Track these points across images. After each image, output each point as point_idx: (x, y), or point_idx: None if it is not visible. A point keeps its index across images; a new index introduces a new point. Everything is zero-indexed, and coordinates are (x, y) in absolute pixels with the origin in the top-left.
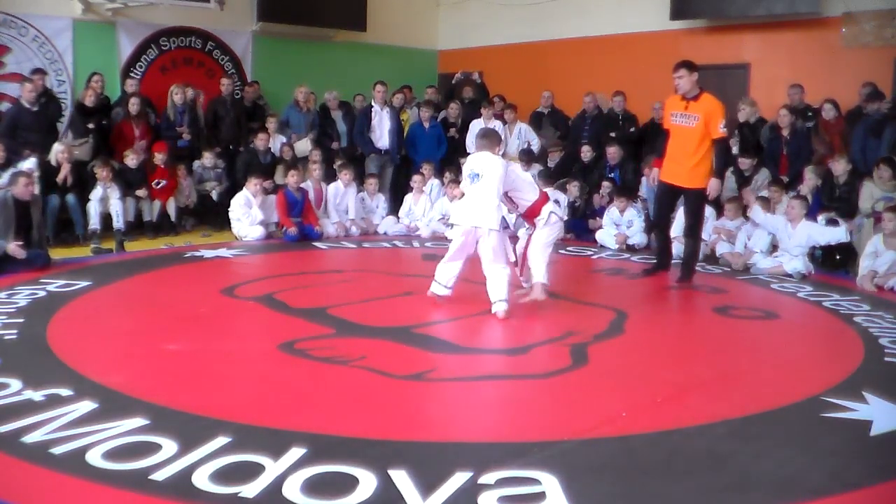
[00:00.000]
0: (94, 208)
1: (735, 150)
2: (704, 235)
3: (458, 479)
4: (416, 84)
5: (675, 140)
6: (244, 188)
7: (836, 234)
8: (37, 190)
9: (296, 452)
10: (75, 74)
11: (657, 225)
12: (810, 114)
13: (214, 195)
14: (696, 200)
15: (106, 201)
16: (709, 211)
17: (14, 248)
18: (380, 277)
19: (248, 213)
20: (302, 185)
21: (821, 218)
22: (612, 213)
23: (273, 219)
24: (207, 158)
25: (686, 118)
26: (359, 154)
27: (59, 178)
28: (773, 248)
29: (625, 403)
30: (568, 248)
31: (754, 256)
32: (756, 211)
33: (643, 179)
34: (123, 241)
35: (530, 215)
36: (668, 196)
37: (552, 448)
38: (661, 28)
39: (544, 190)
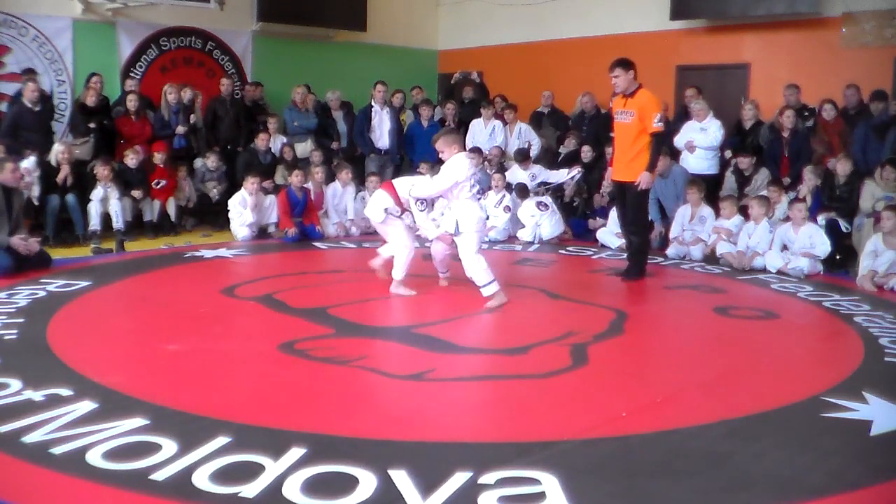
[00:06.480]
0: (94, 208)
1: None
2: (703, 236)
3: (458, 479)
4: (414, 84)
5: (618, 137)
6: (242, 188)
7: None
8: (37, 192)
9: (296, 452)
10: (75, 74)
11: (621, 226)
12: (806, 114)
13: (216, 193)
14: (635, 195)
15: (106, 201)
16: (707, 211)
17: (17, 241)
18: (380, 277)
19: (243, 213)
20: (305, 185)
21: (820, 218)
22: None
23: (268, 220)
24: (211, 160)
25: (624, 115)
26: (358, 154)
27: (59, 179)
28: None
29: (625, 403)
30: (568, 248)
31: (757, 259)
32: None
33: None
34: (123, 241)
35: None
36: (622, 196)
37: (552, 448)
38: (661, 28)
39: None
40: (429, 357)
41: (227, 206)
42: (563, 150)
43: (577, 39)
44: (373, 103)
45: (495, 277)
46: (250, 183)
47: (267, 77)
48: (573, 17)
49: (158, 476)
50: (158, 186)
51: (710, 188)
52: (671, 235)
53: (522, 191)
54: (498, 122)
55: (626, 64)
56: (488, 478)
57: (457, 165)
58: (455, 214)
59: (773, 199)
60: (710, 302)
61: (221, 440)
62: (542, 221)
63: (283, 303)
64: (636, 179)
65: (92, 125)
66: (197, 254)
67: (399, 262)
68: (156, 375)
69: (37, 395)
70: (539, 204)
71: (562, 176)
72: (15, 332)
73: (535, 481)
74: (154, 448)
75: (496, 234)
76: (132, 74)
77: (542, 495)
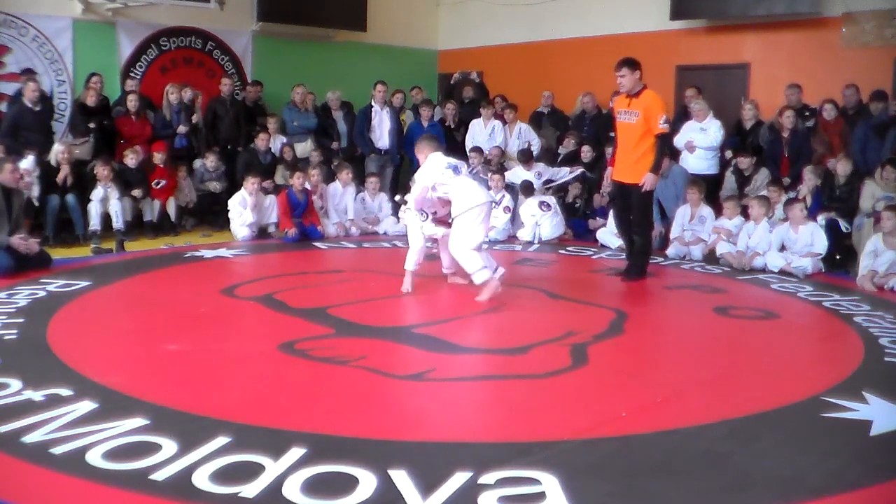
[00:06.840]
0: (94, 208)
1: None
2: (703, 236)
3: (458, 479)
4: (414, 84)
5: (621, 138)
6: (242, 187)
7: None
8: (36, 191)
9: (296, 452)
10: (75, 74)
11: (619, 227)
12: (807, 113)
13: (218, 188)
14: (640, 196)
15: (106, 201)
16: (707, 211)
17: (17, 240)
18: (380, 277)
19: (243, 213)
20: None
21: (820, 218)
22: None
23: (268, 220)
24: (210, 161)
25: (628, 115)
26: (358, 154)
27: (59, 179)
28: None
29: (625, 403)
30: (568, 248)
31: (757, 259)
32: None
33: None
34: (123, 241)
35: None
36: (622, 196)
37: (552, 448)
38: (661, 28)
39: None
40: (429, 357)
41: (227, 205)
42: (562, 150)
43: (577, 39)
44: (373, 103)
45: (488, 265)
46: (250, 183)
47: (267, 77)
48: (573, 17)
49: (158, 476)
50: (158, 186)
51: (710, 188)
52: (671, 235)
53: (527, 188)
54: (498, 122)
55: (632, 64)
56: (488, 478)
57: (427, 165)
58: (454, 201)
59: (773, 199)
60: (710, 302)
61: (221, 440)
62: (541, 221)
63: (283, 303)
64: (640, 180)
65: (92, 125)
66: (197, 254)
67: (409, 254)
68: (156, 375)
69: (37, 395)
70: (541, 204)
71: (566, 173)
72: (15, 332)
73: (535, 481)
74: (154, 448)
75: (496, 234)
76: (132, 74)
77: (542, 495)
